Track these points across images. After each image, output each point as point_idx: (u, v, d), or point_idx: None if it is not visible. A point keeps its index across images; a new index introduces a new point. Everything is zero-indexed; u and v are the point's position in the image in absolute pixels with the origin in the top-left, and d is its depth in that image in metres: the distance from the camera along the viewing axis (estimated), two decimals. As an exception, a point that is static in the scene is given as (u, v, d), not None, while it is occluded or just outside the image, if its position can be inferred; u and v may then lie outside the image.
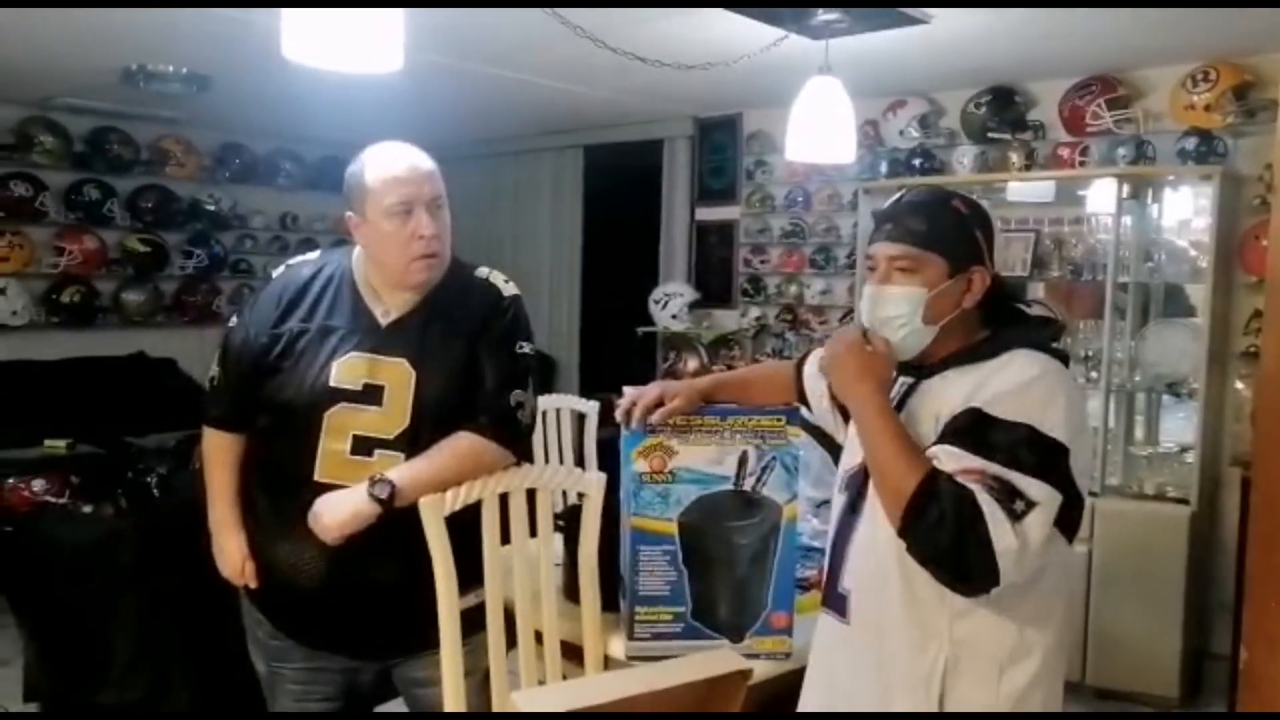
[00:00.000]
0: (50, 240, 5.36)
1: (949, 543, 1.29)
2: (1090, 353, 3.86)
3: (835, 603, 1.53)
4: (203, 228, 5.94)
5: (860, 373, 1.44)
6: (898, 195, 1.54)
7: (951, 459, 1.33)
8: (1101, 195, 3.88)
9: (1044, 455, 1.31)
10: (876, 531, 1.43)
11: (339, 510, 1.71)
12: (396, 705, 2.08)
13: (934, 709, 1.40)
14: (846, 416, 1.65)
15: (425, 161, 1.82)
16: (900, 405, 1.48)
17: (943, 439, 1.37)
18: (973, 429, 1.33)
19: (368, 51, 1.83)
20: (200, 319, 5.83)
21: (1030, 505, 1.29)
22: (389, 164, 1.79)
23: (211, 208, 5.95)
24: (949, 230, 1.44)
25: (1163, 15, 3.21)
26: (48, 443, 4.63)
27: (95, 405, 4.99)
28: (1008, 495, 1.29)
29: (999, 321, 1.47)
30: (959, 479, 1.31)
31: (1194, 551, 3.51)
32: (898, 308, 1.44)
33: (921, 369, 1.48)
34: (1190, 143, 3.78)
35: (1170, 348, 3.74)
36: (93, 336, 5.46)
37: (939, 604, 1.38)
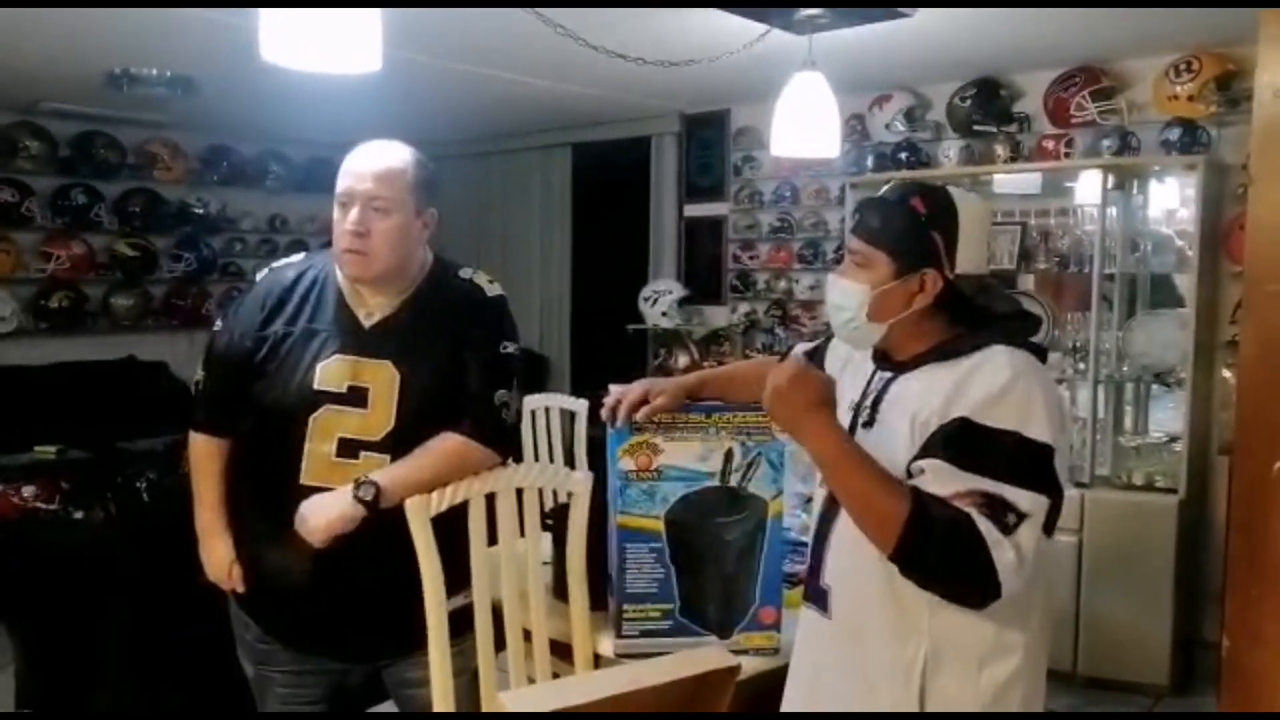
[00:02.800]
0: (37, 245, 5.34)
1: (954, 571, 1.30)
2: (1078, 344, 3.87)
3: (817, 597, 1.54)
4: (191, 231, 5.93)
5: (810, 402, 1.40)
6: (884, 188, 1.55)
7: (940, 480, 1.31)
8: (1087, 187, 3.89)
9: (1032, 462, 1.31)
10: (855, 527, 1.43)
11: (325, 513, 1.71)
12: (387, 707, 2.09)
13: (914, 702, 1.40)
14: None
15: (383, 163, 1.80)
16: (876, 401, 1.48)
17: (929, 449, 1.35)
18: (961, 439, 1.32)
19: (345, 53, 1.83)
20: (190, 322, 5.81)
21: (1021, 517, 1.29)
22: (350, 157, 1.82)
23: (200, 211, 5.94)
24: (899, 231, 1.43)
25: (1145, 5, 3.22)
26: (37, 449, 4.62)
27: (85, 410, 4.98)
28: (999, 510, 1.29)
29: (973, 318, 1.46)
30: (952, 502, 1.30)
31: (1183, 540, 3.53)
32: (844, 300, 1.46)
33: (898, 365, 1.48)
34: (1174, 133, 3.79)
35: (1157, 338, 3.76)
36: (82, 341, 5.45)
37: (918, 599, 1.38)
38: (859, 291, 1.44)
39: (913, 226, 1.43)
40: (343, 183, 1.79)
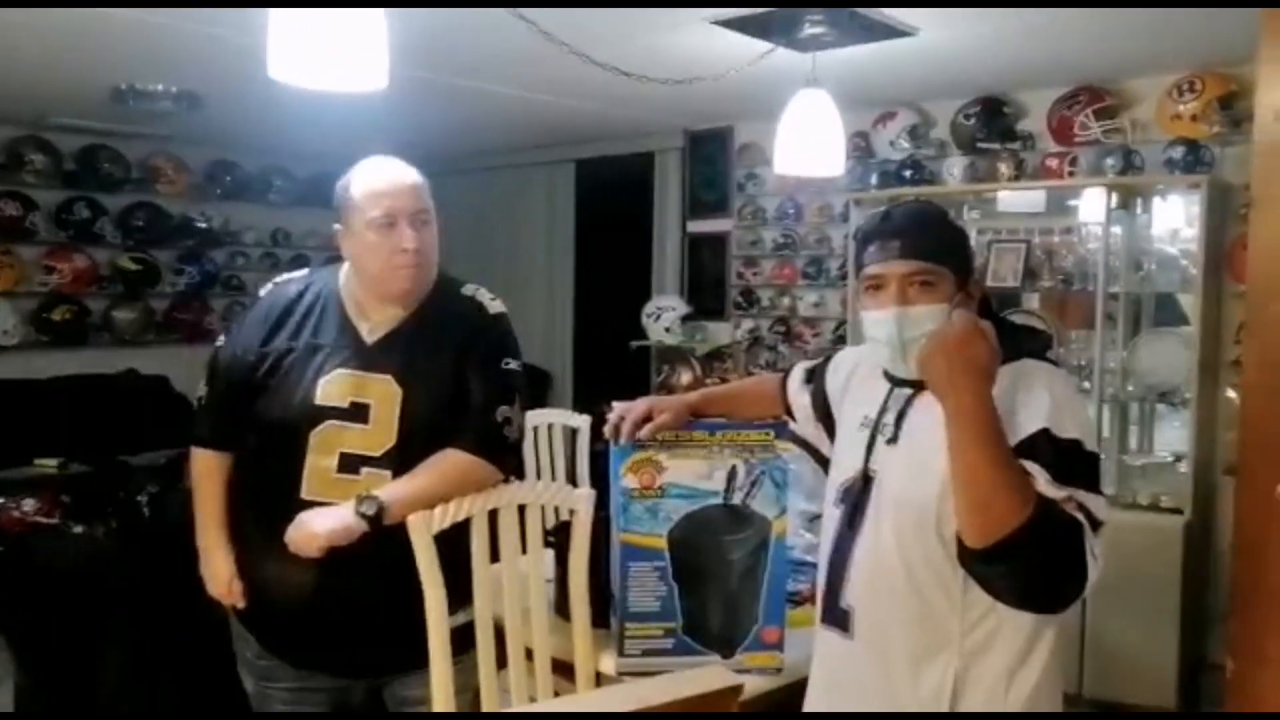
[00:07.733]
0: (40, 259, 5.36)
1: (1055, 574, 1.28)
2: (1083, 362, 3.86)
3: (837, 619, 1.50)
4: (194, 245, 5.94)
5: (976, 363, 1.28)
6: (884, 211, 1.51)
7: (1051, 487, 1.28)
8: (1091, 205, 3.89)
9: (1093, 469, 1.33)
10: (881, 545, 1.42)
11: (323, 520, 1.70)
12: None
13: None
14: (830, 431, 1.64)
15: (410, 175, 1.83)
16: (899, 418, 1.45)
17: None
18: (1050, 451, 1.30)
19: (353, 70, 1.84)
20: (192, 336, 5.81)
21: (1098, 525, 1.30)
22: (374, 178, 1.81)
23: (203, 225, 5.95)
24: (954, 243, 1.46)
25: (1148, 23, 3.22)
26: (38, 462, 4.61)
27: (87, 424, 4.98)
28: (1089, 519, 1.29)
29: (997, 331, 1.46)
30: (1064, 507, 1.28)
31: (1189, 561, 3.51)
32: (927, 325, 1.39)
33: (917, 382, 1.43)
34: (1178, 152, 3.79)
35: (1162, 357, 3.75)
36: (84, 355, 5.46)
37: (951, 616, 1.37)
38: (939, 311, 1.40)
39: (961, 239, 1.48)
40: (380, 203, 1.78)
